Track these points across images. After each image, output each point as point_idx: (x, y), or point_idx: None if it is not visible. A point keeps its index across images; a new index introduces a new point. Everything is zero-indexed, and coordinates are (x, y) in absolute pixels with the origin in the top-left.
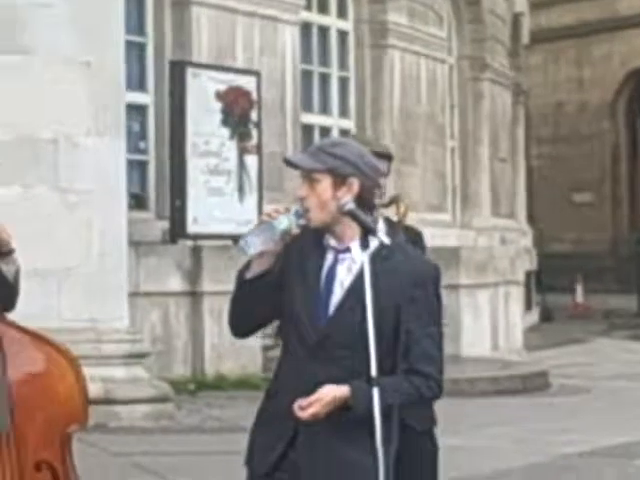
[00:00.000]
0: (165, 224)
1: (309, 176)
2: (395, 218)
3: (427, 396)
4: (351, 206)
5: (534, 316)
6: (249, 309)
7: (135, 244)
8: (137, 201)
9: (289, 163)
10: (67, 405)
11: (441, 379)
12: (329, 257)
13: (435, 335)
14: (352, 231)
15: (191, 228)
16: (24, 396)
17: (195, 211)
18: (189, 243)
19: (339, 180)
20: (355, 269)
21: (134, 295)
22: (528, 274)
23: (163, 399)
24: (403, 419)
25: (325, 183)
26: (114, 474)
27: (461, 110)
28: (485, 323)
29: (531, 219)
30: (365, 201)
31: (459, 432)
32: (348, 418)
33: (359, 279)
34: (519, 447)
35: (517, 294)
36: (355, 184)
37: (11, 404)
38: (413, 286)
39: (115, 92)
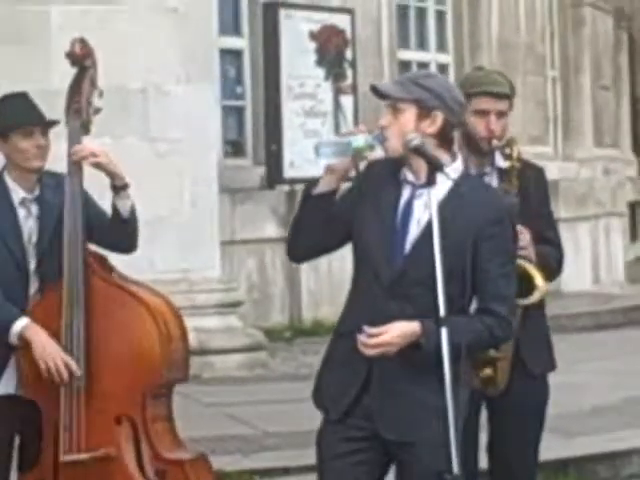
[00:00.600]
0: (263, 170)
1: (394, 105)
2: (506, 163)
3: (499, 336)
4: (417, 142)
5: (638, 249)
6: (310, 230)
7: (231, 191)
8: (235, 147)
9: (376, 91)
10: (147, 361)
11: (512, 319)
12: (406, 192)
13: (510, 274)
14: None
15: (288, 172)
16: (105, 353)
17: (291, 155)
18: (286, 188)
19: (424, 112)
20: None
21: (230, 243)
22: (634, 204)
23: (257, 348)
24: (522, 359)
25: (409, 113)
26: (207, 425)
27: (561, 38)
28: (586, 256)
29: (637, 148)
30: (447, 136)
31: (558, 369)
32: (420, 359)
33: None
34: (618, 381)
35: (619, 226)
36: (439, 118)
37: (91, 358)
38: (491, 223)
39: (205, 38)
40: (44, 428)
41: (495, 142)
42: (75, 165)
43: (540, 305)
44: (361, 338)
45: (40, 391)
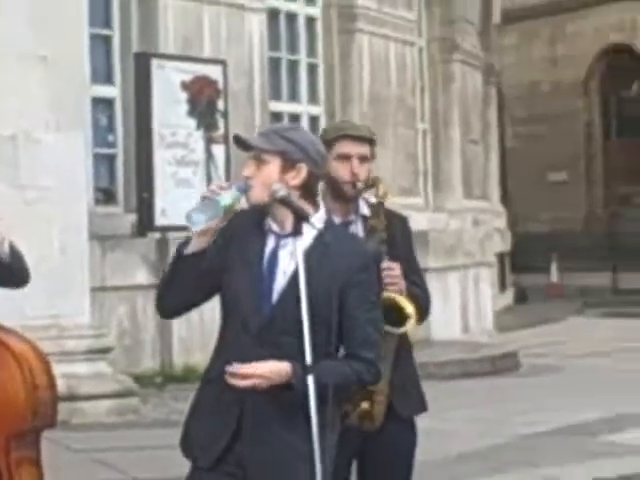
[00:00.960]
0: (134, 217)
1: (258, 156)
2: (373, 200)
3: (368, 380)
4: (283, 192)
5: (509, 297)
6: (181, 288)
7: (101, 238)
8: (106, 195)
9: (239, 142)
10: (11, 406)
11: (379, 364)
12: (270, 242)
13: (376, 319)
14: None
15: (159, 220)
16: None
17: (163, 203)
18: (157, 236)
19: (289, 164)
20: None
21: (101, 289)
22: (502, 255)
23: (127, 394)
24: (390, 403)
25: (274, 165)
26: (77, 471)
27: (431, 92)
28: (455, 305)
29: (505, 199)
30: (310, 189)
31: (423, 416)
32: (290, 401)
33: (308, 269)
34: (484, 429)
35: (487, 276)
36: (304, 170)
37: None
38: (358, 270)
39: (75, 86)
40: None
41: (360, 184)
42: None
43: (408, 348)
44: (231, 369)
45: None
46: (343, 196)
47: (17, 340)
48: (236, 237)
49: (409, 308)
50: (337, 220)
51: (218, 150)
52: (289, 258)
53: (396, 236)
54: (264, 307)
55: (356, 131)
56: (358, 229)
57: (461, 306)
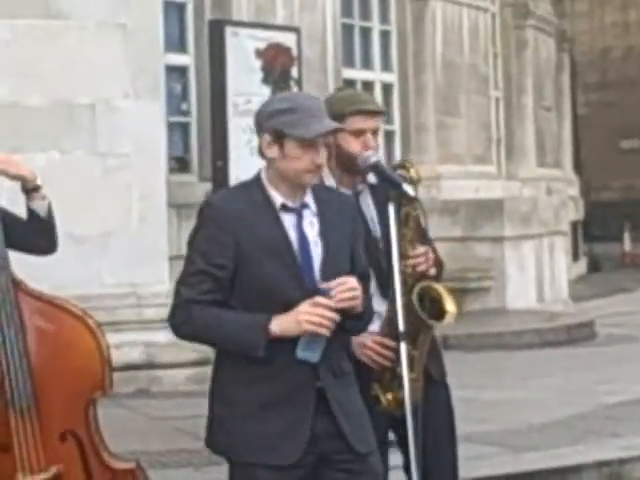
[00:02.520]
0: (209, 186)
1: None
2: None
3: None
4: (375, 159)
5: (582, 266)
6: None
7: (177, 206)
8: (180, 164)
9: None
10: (88, 373)
11: None
12: (288, 220)
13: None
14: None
15: None
16: (44, 367)
17: (237, 171)
18: None
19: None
20: (316, 222)
21: (177, 258)
22: (575, 224)
23: (206, 362)
24: (427, 369)
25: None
26: (156, 439)
27: (504, 59)
28: (530, 275)
29: (578, 168)
30: None
31: (504, 385)
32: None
33: (326, 231)
34: (563, 398)
35: (562, 244)
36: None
37: (31, 376)
38: (354, 221)
39: (152, 54)
40: None
41: (363, 157)
42: None
43: None
44: (322, 300)
45: None
46: (355, 169)
47: (78, 310)
48: (240, 229)
49: (450, 305)
50: (345, 190)
51: None
52: (311, 227)
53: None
54: (308, 286)
55: (370, 105)
56: (367, 198)
57: (536, 275)
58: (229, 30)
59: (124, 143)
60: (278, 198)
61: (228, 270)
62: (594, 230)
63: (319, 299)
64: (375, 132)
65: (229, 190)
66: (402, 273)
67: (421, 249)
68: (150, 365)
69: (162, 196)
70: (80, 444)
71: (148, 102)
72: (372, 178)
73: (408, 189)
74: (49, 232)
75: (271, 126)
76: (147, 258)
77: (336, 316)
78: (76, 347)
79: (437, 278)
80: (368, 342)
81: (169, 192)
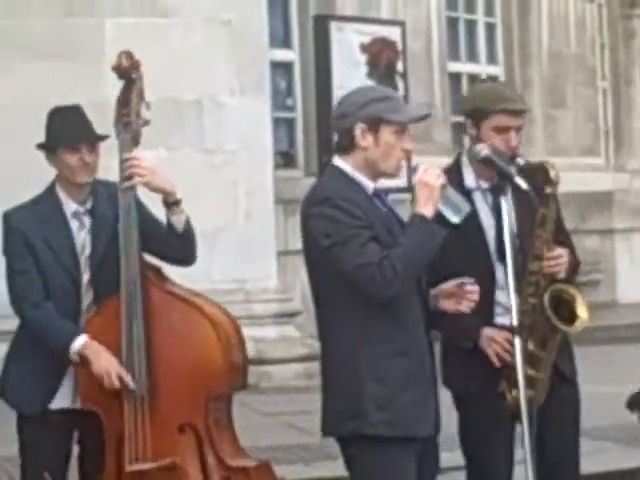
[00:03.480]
0: (314, 181)
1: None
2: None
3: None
4: (487, 152)
5: None
6: None
7: (283, 202)
8: (285, 159)
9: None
10: (208, 367)
11: None
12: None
13: None
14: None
15: None
16: (167, 362)
17: None
18: None
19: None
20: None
21: (284, 254)
22: None
23: (315, 357)
24: (558, 368)
25: None
26: (267, 434)
27: (612, 50)
28: None
29: None
30: None
31: (616, 379)
32: None
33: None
34: None
35: None
36: None
37: (151, 367)
38: None
39: (257, 50)
40: (106, 439)
41: (519, 160)
42: (125, 180)
43: None
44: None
45: (102, 402)
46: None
47: (208, 303)
48: (368, 211)
49: (582, 310)
50: (484, 185)
51: None
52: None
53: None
54: None
55: (516, 105)
56: (508, 193)
57: None
58: (334, 25)
59: (230, 139)
60: (370, 185)
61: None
62: None
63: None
64: (518, 130)
65: (333, 181)
66: (535, 274)
67: (556, 252)
68: (259, 361)
69: (269, 192)
70: (199, 438)
71: (253, 98)
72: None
73: (521, 182)
74: (187, 247)
75: (368, 114)
76: (255, 254)
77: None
78: (197, 341)
79: (569, 281)
80: (497, 337)
81: (275, 188)
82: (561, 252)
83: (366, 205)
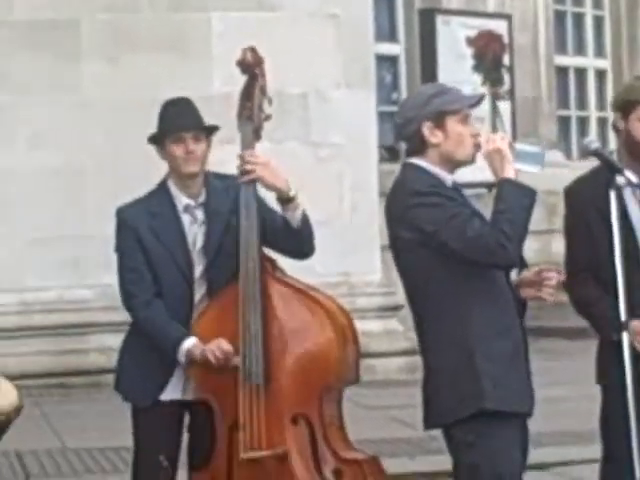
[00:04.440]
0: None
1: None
2: None
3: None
4: (597, 145)
5: None
6: None
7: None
8: (390, 153)
9: None
10: (323, 360)
11: None
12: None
13: None
14: None
15: None
16: (282, 350)
17: None
18: None
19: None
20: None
21: (387, 247)
22: None
23: (417, 351)
24: None
25: None
26: (371, 428)
27: None
28: None
29: None
30: None
31: None
32: None
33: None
34: None
35: None
36: None
37: (268, 357)
38: None
39: (363, 43)
40: (217, 428)
41: (586, 141)
42: (243, 174)
43: None
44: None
45: (215, 390)
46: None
47: (325, 297)
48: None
49: None
50: (632, 177)
51: (504, 106)
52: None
53: None
54: None
55: None
56: (618, 188)
57: None
58: (440, 19)
59: (336, 132)
60: (448, 178)
61: None
62: None
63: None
64: None
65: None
66: None
67: None
68: (364, 354)
69: (374, 185)
70: (311, 429)
71: (359, 91)
72: None
73: (631, 176)
74: (301, 240)
75: (431, 110)
76: (359, 247)
77: None
78: (315, 333)
79: None
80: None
81: (380, 182)
82: None
83: (452, 195)
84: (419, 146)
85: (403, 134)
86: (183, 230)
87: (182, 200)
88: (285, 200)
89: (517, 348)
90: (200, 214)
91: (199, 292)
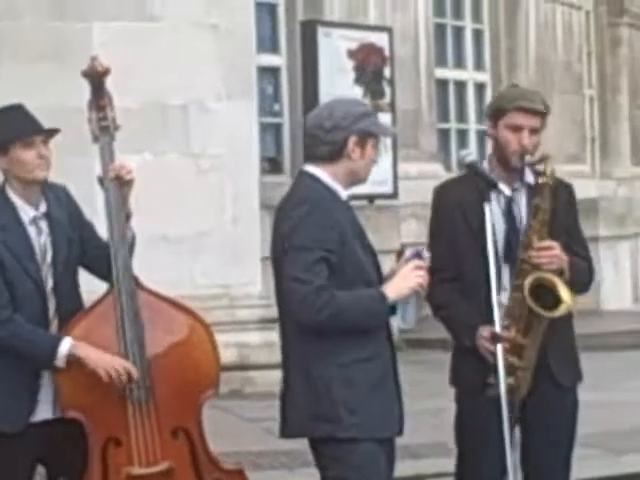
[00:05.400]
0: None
1: None
2: (540, 179)
3: None
4: (472, 158)
5: None
6: None
7: (269, 208)
8: (272, 165)
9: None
10: (203, 372)
11: None
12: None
13: None
14: None
15: None
16: (162, 365)
17: None
18: None
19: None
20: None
21: (268, 259)
22: None
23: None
24: (551, 371)
25: None
26: (250, 440)
27: (598, 57)
28: (626, 275)
29: None
30: None
31: (601, 387)
32: None
33: None
34: None
35: None
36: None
37: (150, 375)
38: None
39: (245, 55)
40: (90, 446)
41: (528, 158)
42: (113, 180)
43: (568, 317)
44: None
45: (86, 408)
46: (509, 165)
47: (191, 309)
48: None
49: (565, 294)
50: (504, 187)
51: (385, 118)
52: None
53: (560, 208)
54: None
55: (530, 104)
56: (522, 198)
57: (632, 276)
58: (321, 30)
59: (217, 144)
60: (343, 193)
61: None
62: None
63: (418, 262)
64: (534, 131)
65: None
66: (524, 262)
67: (546, 242)
68: (243, 366)
69: (255, 197)
70: (191, 441)
71: (240, 103)
72: (530, 177)
73: (504, 189)
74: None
75: (362, 128)
76: (240, 259)
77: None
78: (193, 345)
79: (561, 273)
80: (484, 332)
81: (261, 193)
82: (552, 244)
83: (340, 210)
84: (334, 154)
85: (326, 137)
86: (31, 243)
87: (27, 211)
88: (127, 216)
89: (385, 372)
90: (45, 225)
91: (51, 306)
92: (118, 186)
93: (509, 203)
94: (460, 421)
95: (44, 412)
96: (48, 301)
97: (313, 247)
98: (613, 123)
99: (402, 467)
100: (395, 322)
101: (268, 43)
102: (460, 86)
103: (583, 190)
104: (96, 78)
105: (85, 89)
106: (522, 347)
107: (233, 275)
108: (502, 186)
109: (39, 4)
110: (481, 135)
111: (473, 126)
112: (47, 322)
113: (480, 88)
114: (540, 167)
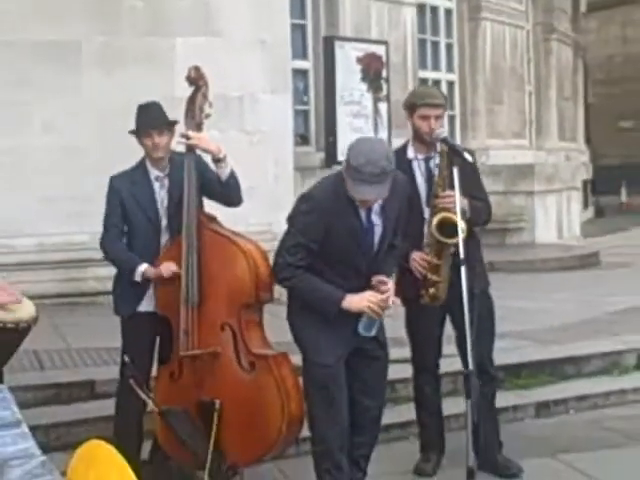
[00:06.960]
0: (322, 155)
1: None
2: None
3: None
4: (445, 134)
5: (589, 213)
6: None
7: (301, 169)
8: (302, 139)
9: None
10: (242, 285)
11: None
12: (416, 165)
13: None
14: None
15: (340, 157)
16: (214, 277)
17: (343, 144)
18: (338, 167)
19: None
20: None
21: None
22: (585, 182)
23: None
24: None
25: None
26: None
27: (535, 64)
28: (553, 218)
29: (588, 141)
30: None
31: (534, 298)
32: None
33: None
34: (577, 307)
35: (576, 197)
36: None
37: (202, 284)
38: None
39: (283, 60)
40: (174, 334)
41: (434, 135)
42: (189, 148)
43: (475, 241)
44: (382, 294)
45: (169, 309)
46: (424, 142)
47: (244, 240)
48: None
49: (460, 224)
50: (421, 156)
51: (382, 106)
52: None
53: (466, 167)
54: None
55: (433, 99)
56: (437, 160)
57: (557, 219)
58: (337, 43)
59: (263, 124)
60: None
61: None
62: (599, 186)
63: (379, 292)
64: (437, 117)
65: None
66: (435, 207)
67: (446, 192)
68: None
69: (290, 162)
70: (234, 333)
71: (280, 95)
72: (439, 148)
73: (468, 156)
74: (229, 190)
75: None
76: (279, 206)
77: (390, 305)
78: (235, 266)
79: (464, 212)
80: (415, 256)
81: (295, 159)
82: (450, 193)
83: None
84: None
85: (388, 168)
86: (154, 194)
87: (154, 172)
88: (216, 160)
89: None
90: (166, 182)
91: (164, 238)
92: (191, 153)
93: (428, 167)
94: (408, 320)
95: (148, 306)
96: (161, 235)
97: (293, 231)
98: (545, 110)
99: None
100: (360, 330)
101: (300, 52)
102: (436, 83)
103: (524, 158)
104: (190, 81)
105: (171, 85)
106: (438, 266)
107: (274, 217)
108: (467, 155)
109: (137, 23)
110: (451, 119)
111: (446, 112)
112: (158, 249)
113: (451, 85)
114: (444, 142)
